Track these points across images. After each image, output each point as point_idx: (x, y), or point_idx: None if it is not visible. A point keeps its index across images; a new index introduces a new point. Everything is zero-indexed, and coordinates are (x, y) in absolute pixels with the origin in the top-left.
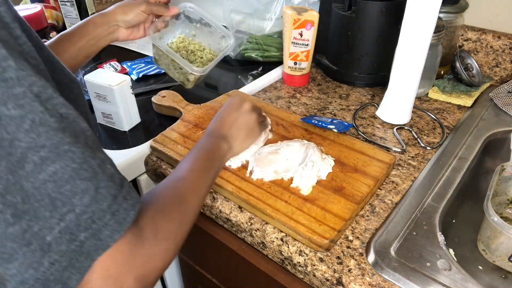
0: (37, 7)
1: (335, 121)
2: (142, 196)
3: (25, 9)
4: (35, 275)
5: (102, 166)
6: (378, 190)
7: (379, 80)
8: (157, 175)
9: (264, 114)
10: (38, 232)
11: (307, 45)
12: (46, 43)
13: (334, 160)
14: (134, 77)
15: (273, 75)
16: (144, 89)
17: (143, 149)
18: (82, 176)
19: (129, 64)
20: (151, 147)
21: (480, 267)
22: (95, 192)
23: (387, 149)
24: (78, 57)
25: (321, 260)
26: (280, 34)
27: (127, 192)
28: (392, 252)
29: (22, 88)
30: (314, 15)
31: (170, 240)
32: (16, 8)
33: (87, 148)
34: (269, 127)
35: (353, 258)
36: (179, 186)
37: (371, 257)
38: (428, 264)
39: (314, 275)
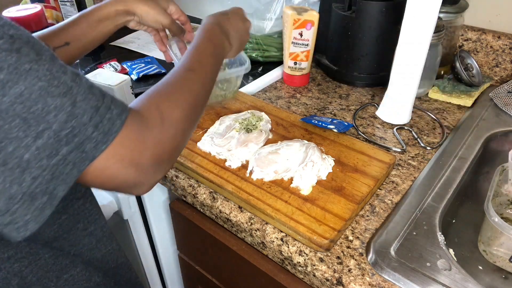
0: (37, 7)
1: (335, 121)
2: (151, 87)
3: (25, 9)
4: (20, 190)
5: (77, 79)
6: (378, 190)
7: (379, 80)
8: None
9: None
10: (13, 152)
11: (307, 45)
12: (64, 22)
13: (334, 160)
14: (134, 77)
15: (273, 75)
16: (144, 89)
17: None
18: (53, 93)
19: (129, 64)
20: None
21: (480, 267)
22: (72, 107)
23: (387, 149)
24: (94, 41)
25: (321, 260)
26: (280, 34)
27: (111, 102)
28: (392, 252)
29: None
30: (314, 15)
31: (177, 126)
32: (16, 8)
33: (55, 64)
34: (269, 126)
35: (353, 258)
36: (189, 77)
37: (371, 257)
38: (428, 264)
39: (314, 275)
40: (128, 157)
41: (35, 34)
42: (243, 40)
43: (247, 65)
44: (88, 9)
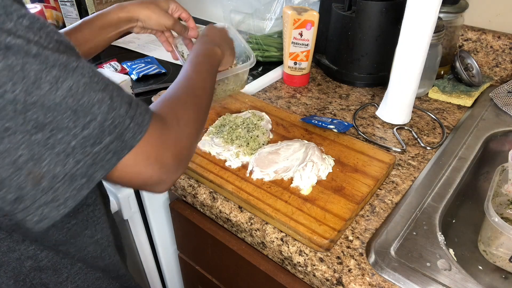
0: (37, 7)
1: (335, 121)
2: (158, 98)
3: None
4: (63, 171)
5: (109, 80)
6: (378, 190)
7: (379, 80)
8: None
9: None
10: (62, 138)
11: (307, 45)
12: (68, 28)
13: (334, 160)
14: (134, 77)
15: (273, 75)
16: (144, 89)
17: None
18: (95, 88)
19: (129, 64)
20: None
21: (480, 267)
22: (111, 101)
23: (387, 149)
24: (97, 47)
25: (321, 260)
26: (280, 34)
27: (138, 100)
28: (392, 252)
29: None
30: (314, 15)
31: (190, 126)
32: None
33: (91, 65)
34: (270, 126)
35: (353, 258)
36: (190, 84)
37: (371, 257)
38: (428, 264)
39: (314, 275)
40: (153, 154)
41: None
42: (229, 42)
43: (252, 59)
44: (91, 16)
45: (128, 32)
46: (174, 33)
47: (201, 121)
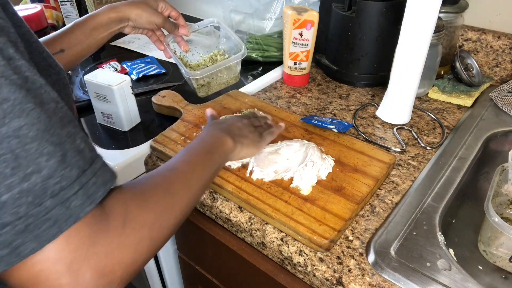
0: (37, 7)
1: (335, 121)
2: (129, 181)
3: (25, 9)
4: None
5: (71, 138)
6: (378, 190)
7: (379, 80)
8: None
9: (270, 122)
10: None
11: (307, 45)
12: (59, 31)
13: (334, 160)
14: (134, 77)
15: (273, 75)
16: (144, 89)
17: (143, 149)
18: (48, 140)
19: (129, 64)
20: (151, 147)
21: (480, 268)
22: (62, 157)
23: (387, 149)
24: (90, 48)
25: (321, 260)
26: (280, 34)
27: (98, 169)
28: (392, 252)
29: None
30: (314, 15)
31: (143, 232)
32: (16, 8)
33: (55, 117)
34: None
35: (353, 258)
36: (168, 176)
37: (371, 257)
38: (428, 264)
39: (314, 275)
40: (69, 259)
41: None
42: (255, 144)
43: (243, 51)
44: (82, 17)
45: (120, 34)
46: (166, 32)
47: (163, 228)
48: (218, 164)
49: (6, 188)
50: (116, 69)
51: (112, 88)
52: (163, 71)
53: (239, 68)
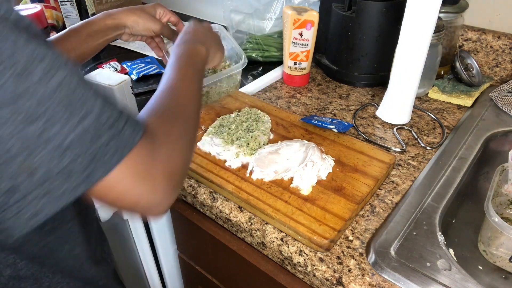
0: (37, 7)
1: (335, 121)
2: (141, 111)
3: (25, 9)
4: (59, 166)
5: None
6: (378, 190)
7: (379, 80)
8: None
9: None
10: (58, 133)
11: (307, 45)
12: (54, 36)
13: (334, 160)
14: (134, 77)
15: (273, 75)
16: (144, 89)
17: None
18: (87, 87)
19: (129, 64)
20: None
21: (480, 267)
22: (104, 100)
23: (387, 149)
24: (85, 55)
25: (321, 260)
26: (280, 34)
27: (127, 107)
28: (392, 252)
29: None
30: (314, 15)
31: (182, 140)
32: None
33: (80, 74)
34: (270, 126)
35: (353, 258)
36: (174, 94)
37: (371, 257)
38: (428, 264)
39: (314, 275)
40: (143, 171)
41: None
42: (213, 37)
43: (244, 60)
44: (78, 24)
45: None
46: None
47: (191, 132)
48: (201, 71)
49: (69, 130)
50: (116, 69)
51: (112, 88)
52: (163, 71)
53: (239, 77)
